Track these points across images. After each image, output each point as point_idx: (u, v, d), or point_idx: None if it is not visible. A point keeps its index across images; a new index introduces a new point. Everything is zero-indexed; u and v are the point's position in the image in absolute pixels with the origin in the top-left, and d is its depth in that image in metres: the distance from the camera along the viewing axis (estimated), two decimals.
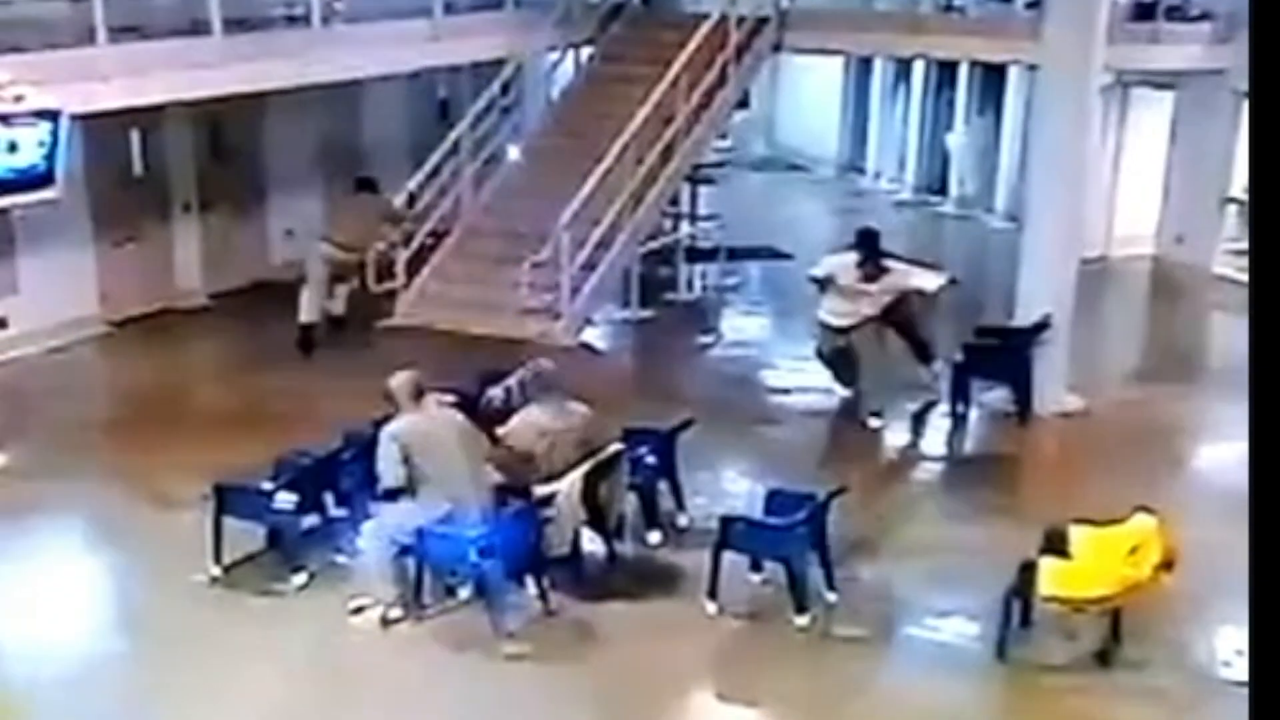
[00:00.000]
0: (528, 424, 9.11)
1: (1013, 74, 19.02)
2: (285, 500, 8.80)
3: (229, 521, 8.99)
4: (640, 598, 9.00)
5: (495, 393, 10.62)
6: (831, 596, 8.81)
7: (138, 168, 14.32)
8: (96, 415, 11.88)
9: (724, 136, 17.09)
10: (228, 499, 9.03)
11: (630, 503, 9.44)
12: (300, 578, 8.80)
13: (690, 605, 8.78)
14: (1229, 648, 8.43)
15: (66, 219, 12.92)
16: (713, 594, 8.74)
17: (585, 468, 8.99)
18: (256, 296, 14.97)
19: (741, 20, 15.63)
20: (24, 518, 9.75)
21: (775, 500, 9.06)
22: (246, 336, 13.89)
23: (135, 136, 14.04)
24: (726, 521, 8.86)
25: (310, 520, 9.04)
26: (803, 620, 8.53)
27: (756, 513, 9.07)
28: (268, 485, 8.91)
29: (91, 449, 11.03)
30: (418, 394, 8.65)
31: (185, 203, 14.78)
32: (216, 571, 8.94)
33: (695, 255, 16.58)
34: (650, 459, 9.74)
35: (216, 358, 13.83)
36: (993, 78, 19.79)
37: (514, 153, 15.55)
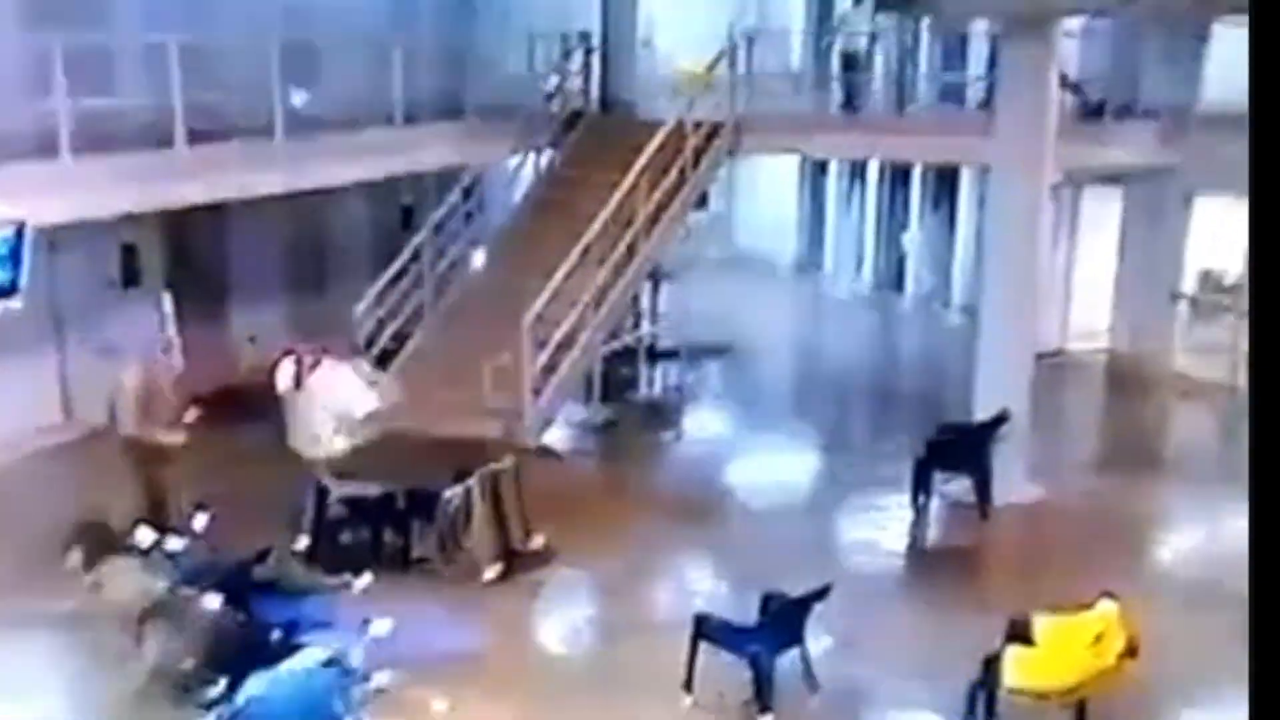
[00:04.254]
0: None
1: (965, 171, 19.38)
2: (210, 604, 8.73)
3: None
4: (619, 691, 9.02)
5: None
6: (814, 701, 8.81)
7: (103, 276, 14.34)
8: (60, 524, 11.77)
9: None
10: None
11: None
12: (225, 681, 8.54)
13: (667, 700, 8.80)
14: None
15: (30, 327, 12.93)
16: (688, 687, 8.76)
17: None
18: (222, 402, 14.90)
19: (698, 125, 15.89)
20: None
21: (771, 603, 9.04)
22: (213, 442, 13.83)
23: (101, 246, 14.08)
24: (699, 620, 8.89)
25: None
26: None
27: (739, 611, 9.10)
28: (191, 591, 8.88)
29: (56, 559, 10.94)
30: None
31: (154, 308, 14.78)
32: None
33: (656, 354, 16.73)
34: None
35: (183, 462, 13.77)
36: (946, 175, 20.17)
37: (478, 258, 15.69)
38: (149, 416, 10.88)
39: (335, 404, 10.92)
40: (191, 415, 11.07)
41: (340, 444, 10.90)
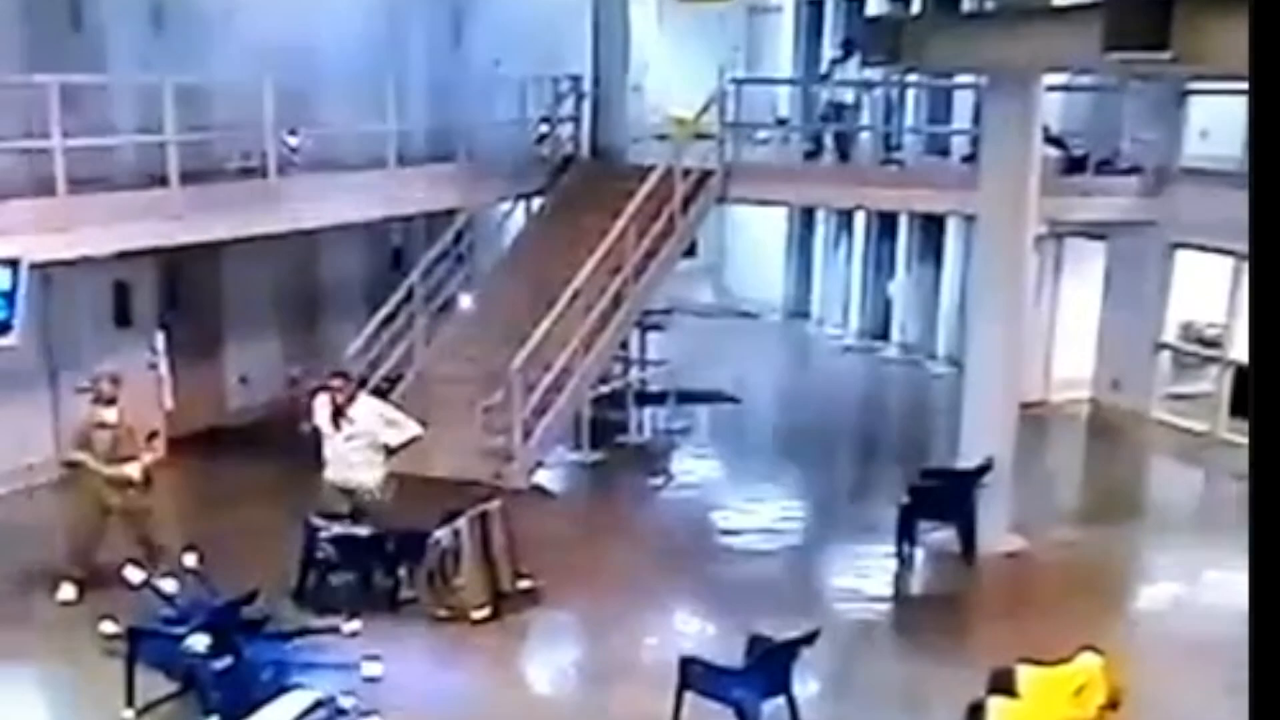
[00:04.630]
0: None
1: (951, 223, 19.57)
2: (198, 644, 8.74)
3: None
4: None
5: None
6: None
7: (97, 314, 14.40)
8: (47, 560, 11.80)
9: None
10: (140, 643, 9.13)
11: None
12: None
13: None
14: None
15: (22, 365, 12.99)
16: None
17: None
18: (212, 442, 15.01)
19: (687, 172, 16.07)
20: None
21: (756, 646, 9.04)
22: (202, 482, 13.93)
23: (95, 284, 14.14)
24: (685, 662, 8.95)
25: (223, 662, 8.87)
26: None
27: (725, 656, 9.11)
28: (180, 629, 8.93)
29: (42, 594, 10.98)
30: None
31: (149, 349, 14.84)
32: (129, 715, 8.95)
33: (645, 399, 16.84)
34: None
35: (171, 503, 13.81)
36: (932, 227, 20.35)
37: (465, 301, 15.81)
38: (115, 451, 10.90)
39: (371, 434, 11.19)
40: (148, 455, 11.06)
41: (377, 473, 11.22)
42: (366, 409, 11.41)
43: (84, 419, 11.03)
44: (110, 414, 10.94)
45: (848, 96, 18.51)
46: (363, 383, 12.31)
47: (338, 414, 11.22)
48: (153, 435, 11.23)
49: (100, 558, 10.86)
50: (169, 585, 9.67)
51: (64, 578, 10.94)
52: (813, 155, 18.47)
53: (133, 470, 10.85)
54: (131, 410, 11.18)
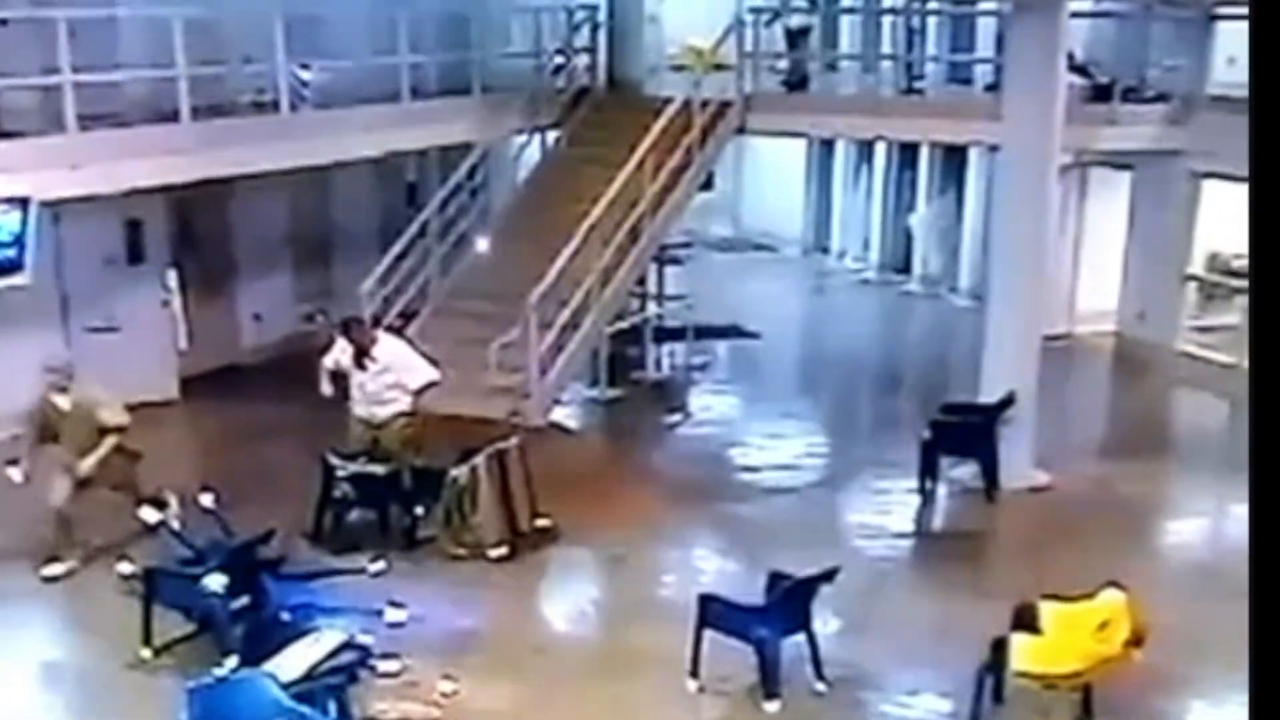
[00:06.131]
0: None
1: (973, 154, 19.30)
2: (215, 583, 8.70)
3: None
4: (624, 675, 8.99)
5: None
6: (820, 687, 8.76)
7: (108, 252, 14.28)
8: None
9: None
10: (157, 583, 9.08)
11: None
12: (232, 661, 8.43)
13: (672, 684, 8.76)
14: None
15: (36, 304, 12.90)
16: (694, 672, 8.74)
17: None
18: (228, 380, 14.95)
19: (705, 103, 15.83)
20: None
21: (776, 583, 8.96)
22: (218, 421, 13.88)
23: (106, 222, 14.01)
24: (704, 600, 8.87)
25: (240, 602, 8.84)
26: (772, 707, 8.48)
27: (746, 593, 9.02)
28: (196, 569, 8.90)
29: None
30: None
31: (161, 287, 14.73)
32: (146, 654, 8.92)
33: (663, 334, 16.70)
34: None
35: (187, 441, 13.79)
36: (954, 158, 20.07)
37: (481, 244, 15.61)
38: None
39: (396, 373, 11.07)
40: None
41: (404, 407, 11.10)
42: (389, 347, 11.29)
43: (40, 398, 10.35)
44: (63, 400, 10.25)
45: (796, 21, 18.20)
46: (376, 321, 12.15)
47: (361, 355, 11.09)
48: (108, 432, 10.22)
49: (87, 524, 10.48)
50: (175, 521, 9.58)
51: (51, 557, 10.38)
52: (796, 86, 18.03)
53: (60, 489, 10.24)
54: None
